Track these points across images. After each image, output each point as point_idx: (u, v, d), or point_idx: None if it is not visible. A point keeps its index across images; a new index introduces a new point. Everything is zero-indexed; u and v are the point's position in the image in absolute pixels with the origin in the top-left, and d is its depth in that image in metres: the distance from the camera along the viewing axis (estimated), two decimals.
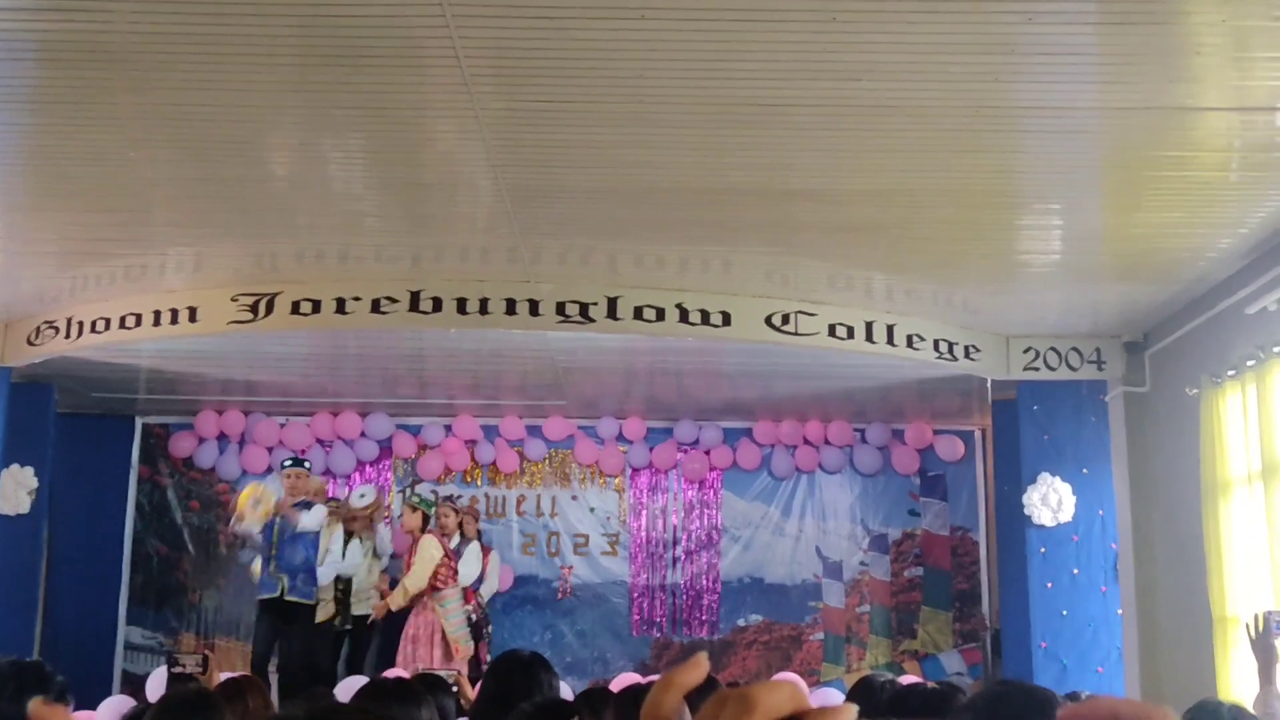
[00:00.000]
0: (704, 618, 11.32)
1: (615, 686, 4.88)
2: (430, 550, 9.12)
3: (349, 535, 9.62)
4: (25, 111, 5.60)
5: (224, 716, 3.39)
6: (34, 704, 0.75)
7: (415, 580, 9.09)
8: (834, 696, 6.92)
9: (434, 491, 11.10)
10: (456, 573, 9.34)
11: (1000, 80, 5.10)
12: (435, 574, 9.09)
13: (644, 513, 11.46)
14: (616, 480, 11.47)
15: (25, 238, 7.35)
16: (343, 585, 9.58)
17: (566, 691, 5.17)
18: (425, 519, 9.45)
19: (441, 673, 5.79)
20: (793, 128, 5.55)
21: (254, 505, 9.25)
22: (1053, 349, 8.98)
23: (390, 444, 11.30)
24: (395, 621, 9.49)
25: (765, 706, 0.69)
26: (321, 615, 9.29)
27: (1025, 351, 8.98)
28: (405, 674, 6.29)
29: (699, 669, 0.76)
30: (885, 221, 6.78)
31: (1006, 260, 7.54)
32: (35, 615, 9.85)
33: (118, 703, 6.20)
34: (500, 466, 11.34)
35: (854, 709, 0.69)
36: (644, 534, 11.43)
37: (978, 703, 2.46)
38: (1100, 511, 8.87)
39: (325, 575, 9.23)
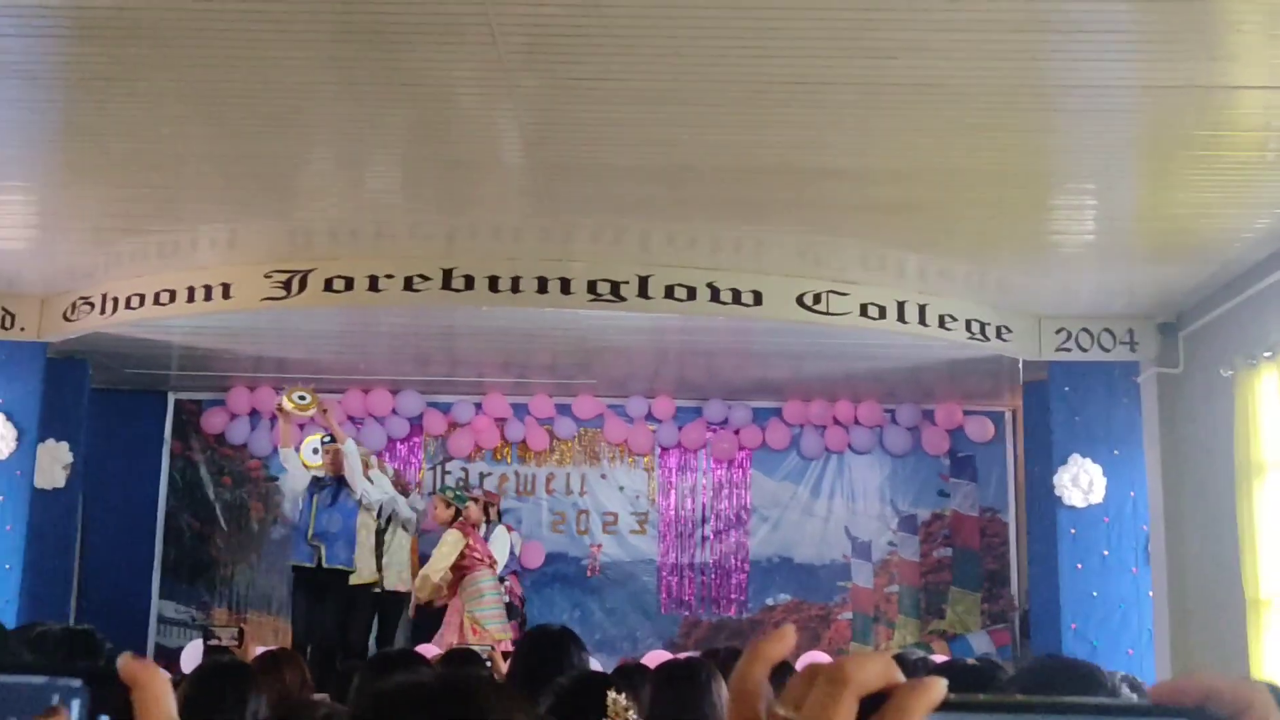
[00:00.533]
0: (733, 596, 11.34)
1: (648, 663, 4.90)
2: (449, 546, 9.15)
3: None
4: (62, 88, 5.63)
5: (258, 687, 3.43)
6: (124, 659, 0.75)
7: (433, 568, 9.13)
8: None
9: (464, 468, 11.18)
10: (487, 555, 9.37)
11: (1036, 59, 5.06)
12: (460, 562, 9.12)
13: (673, 492, 11.48)
14: (645, 459, 11.49)
15: (62, 214, 7.40)
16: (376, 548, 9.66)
17: (595, 667, 5.19)
18: (457, 513, 9.49)
19: (475, 647, 5.83)
20: (827, 106, 5.52)
21: (300, 399, 9.26)
22: (1085, 330, 8.92)
23: (421, 421, 11.35)
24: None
25: (857, 681, 0.68)
26: (364, 578, 9.32)
27: (1057, 332, 8.92)
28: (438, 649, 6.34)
29: (786, 640, 0.75)
30: (918, 201, 6.74)
31: (1040, 240, 7.49)
32: (70, 589, 9.94)
33: None
34: (530, 444, 11.37)
35: (943, 682, 0.68)
36: (673, 513, 11.45)
37: (1024, 676, 2.46)
38: (1131, 493, 8.82)
39: (369, 491, 9.28)
